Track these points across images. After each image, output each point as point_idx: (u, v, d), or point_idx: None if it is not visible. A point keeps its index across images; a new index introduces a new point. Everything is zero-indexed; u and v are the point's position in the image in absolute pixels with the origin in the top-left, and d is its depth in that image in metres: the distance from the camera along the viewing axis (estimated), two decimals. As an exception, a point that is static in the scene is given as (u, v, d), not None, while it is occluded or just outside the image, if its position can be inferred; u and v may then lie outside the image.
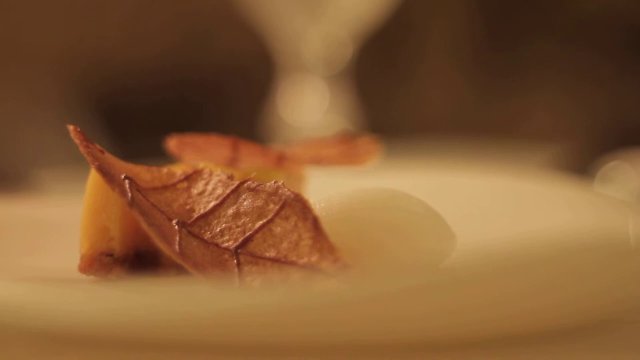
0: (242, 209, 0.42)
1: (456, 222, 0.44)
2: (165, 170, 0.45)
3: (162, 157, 0.52)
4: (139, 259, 0.45)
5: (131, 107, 1.62)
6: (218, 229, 0.42)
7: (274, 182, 0.42)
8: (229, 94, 1.61)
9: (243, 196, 0.42)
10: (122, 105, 1.62)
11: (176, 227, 0.41)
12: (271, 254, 0.40)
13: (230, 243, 0.41)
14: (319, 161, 0.50)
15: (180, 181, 0.44)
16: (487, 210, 0.55)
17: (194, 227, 0.42)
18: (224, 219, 0.42)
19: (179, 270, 0.44)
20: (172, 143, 0.50)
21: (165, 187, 0.44)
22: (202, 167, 0.45)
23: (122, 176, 0.42)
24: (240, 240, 0.41)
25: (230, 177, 0.43)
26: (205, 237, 0.41)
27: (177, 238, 0.41)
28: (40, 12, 1.64)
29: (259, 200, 0.41)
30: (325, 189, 0.46)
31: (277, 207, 0.41)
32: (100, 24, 1.66)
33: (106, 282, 0.44)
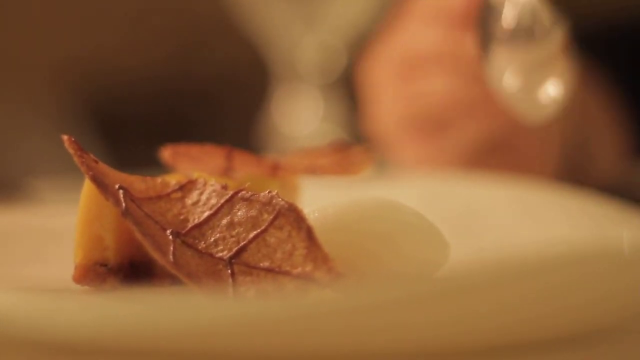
0: (236, 219, 0.42)
1: (450, 231, 0.44)
2: (159, 180, 0.45)
3: (156, 166, 0.52)
4: (133, 268, 0.45)
5: (126, 116, 1.62)
6: (212, 239, 0.42)
7: (268, 192, 0.42)
8: (224, 103, 1.61)
9: (237, 206, 0.42)
10: (117, 114, 1.62)
11: (170, 237, 0.41)
12: (265, 263, 0.40)
13: (224, 253, 0.41)
14: (313, 171, 0.50)
15: (175, 191, 0.44)
16: (482, 219, 0.55)
17: (188, 237, 0.42)
18: (218, 229, 0.42)
19: (173, 280, 0.44)
20: (167, 152, 0.50)
21: (159, 197, 0.44)
22: (197, 177, 0.45)
23: (116, 186, 0.42)
24: (234, 250, 0.41)
25: (225, 187, 0.43)
26: (199, 247, 0.41)
27: (171, 248, 0.41)
28: (37, 21, 1.64)
29: (253, 210, 0.41)
30: (320, 198, 0.46)
31: (271, 217, 0.41)
32: (96, 33, 1.66)
33: (100, 292, 0.44)
